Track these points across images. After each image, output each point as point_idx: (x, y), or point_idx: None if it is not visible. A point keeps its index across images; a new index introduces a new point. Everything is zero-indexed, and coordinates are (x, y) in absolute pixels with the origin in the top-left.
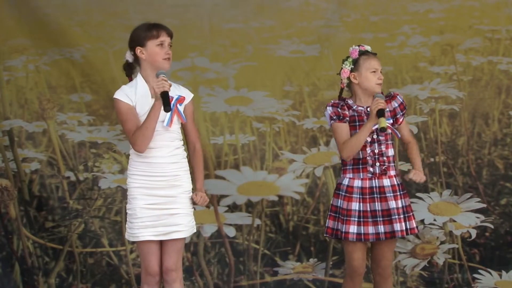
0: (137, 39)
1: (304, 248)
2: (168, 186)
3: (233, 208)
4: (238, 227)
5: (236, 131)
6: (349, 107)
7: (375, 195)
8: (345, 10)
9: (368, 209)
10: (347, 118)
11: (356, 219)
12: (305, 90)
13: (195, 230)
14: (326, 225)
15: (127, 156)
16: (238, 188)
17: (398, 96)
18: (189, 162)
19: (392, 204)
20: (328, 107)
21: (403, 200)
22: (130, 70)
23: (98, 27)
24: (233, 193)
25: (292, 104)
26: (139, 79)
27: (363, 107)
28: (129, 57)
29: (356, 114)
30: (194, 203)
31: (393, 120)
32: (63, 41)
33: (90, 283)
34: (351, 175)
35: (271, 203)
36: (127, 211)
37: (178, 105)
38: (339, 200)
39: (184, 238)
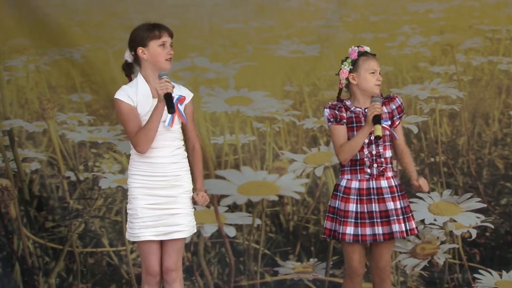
0: (138, 39)
1: (304, 248)
2: (169, 186)
3: (234, 208)
4: (239, 227)
5: (236, 131)
6: (347, 109)
7: (372, 196)
8: (345, 10)
9: (365, 210)
10: (344, 120)
11: (353, 220)
12: (305, 90)
13: (195, 230)
14: (324, 226)
15: (127, 156)
16: (239, 188)
17: (397, 99)
18: (189, 161)
19: (390, 205)
20: (325, 109)
21: (401, 201)
22: (129, 70)
23: (98, 27)
24: (233, 193)
25: (292, 104)
26: (139, 79)
27: (361, 108)
28: (128, 57)
29: (354, 115)
30: (194, 202)
31: (390, 122)
32: (63, 41)
33: (91, 283)
34: (349, 176)
35: (271, 203)
36: (127, 211)
37: (178, 105)
38: (337, 201)
39: (185, 238)
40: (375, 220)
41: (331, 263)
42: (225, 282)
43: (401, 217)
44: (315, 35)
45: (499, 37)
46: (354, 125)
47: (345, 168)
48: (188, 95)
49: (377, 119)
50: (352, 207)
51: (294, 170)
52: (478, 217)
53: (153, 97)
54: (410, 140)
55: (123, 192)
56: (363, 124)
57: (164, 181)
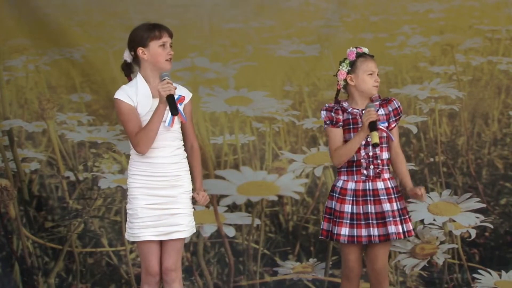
0: (138, 39)
1: (304, 248)
2: (169, 186)
3: (233, 208)
4: (238, 227)
5: (236, 131)
6: (344, 110)
7: (368, 198)
8: (345, 10)
9: (361, 211)
10: (340, 123)
11: (348, 221)
12: (305, 90)
13: (195, 230)
14: (321, 227)
15: (127, 156)
16: (238, 188)
17: (394, 101)
18: (187, 161)
19: (387, 206)
20: (322, 111)
21: (398, 202)
22: (128, 70)
23: (98, 27)
24: (232, 193)
25: (292, 104)
26: (139, 79)
27: (358, 109)
28: (127, 57)
29: (351, 116)
30: (195, 202)
31: (387, 124)
32: (63, 41)
33: (90, 283)
34: (345, 177)
35: (270, 203)
36: (127, 211)
37: (178, 105)
38: (333, 202)
39: (184, 238)
40: (370, 221)
41: (331, 263)
42: (224, 282)
43: (397, 218)
44: (315, 35)
45: (498, 37)
46: (351, 126)
47: (342, 169)
48: (187, 94)
49: (373, 126)
50: (347, 208)
51: (294, 170)
52: (478, 217)
53: (153, 97)
54: (409, 140)
55: (123, 192)
56: (360, 126)
57: (164, 181)
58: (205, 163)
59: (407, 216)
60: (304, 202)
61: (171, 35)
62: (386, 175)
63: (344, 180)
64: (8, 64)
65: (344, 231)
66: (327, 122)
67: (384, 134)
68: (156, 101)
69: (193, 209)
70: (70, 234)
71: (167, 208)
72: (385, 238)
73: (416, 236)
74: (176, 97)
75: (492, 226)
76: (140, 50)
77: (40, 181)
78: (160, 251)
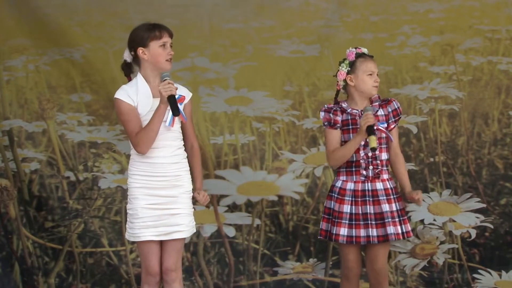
0: (138, 39)
1: (304, 248)
2: (169, 186)
3: (233, 208)
4: (238, 227)
5: (236, 131)
6: (344, 111)
7: (367, 198)
8: (345, 10)
9: (360, 212)
10: (338, 125)
11: (347, 221)
12: (305, 90)
13: (195, 230)
14: (320, 227)
15: (127, 156)
16: (238, 188)
17: (394, 102)
18: (187, 161)
19: (385, 207)
20: (320, 112)
21: (397, 203)
22: (128, 70)
23: (98, 27)
24: (232, 193)
25: (292, 104)
26: (139, 79)
27: (357, 110)
28: (127, 57)
29: (350, 117)
30: (196, 202)
31: (386, 125)
32: (63, 41)
33: (90, 283)
34: (344, 178)
35: (270, 203)
36: (127, 211)
37: (178, 104)
38: (332, 202)
39: (184, 238)
40: (369, 222)
41: (331, 263)
42: (224, 282)
43: (396, 219)
44: (315, 35)
45: (498, 37)
46: (350, 127)
47: (341, 169)
48: (187, 94)
49: (370, 130)
50: (346, 208)
51: (294, 170)
52: (478, 217)
53: (154, 97)
54: (409, 140)
55: (123, 192)
56: (359, 127)
57: (165, 181)
58: (205, 163)
59: (405, 217)
60: (304, 202)
61: (171, 35)
62: (385, 176)
63: (343, 181)
64: (8, 64)
65: (343, 231)
66: (325, 123)
67: (384, 135)
68: (156, 101)
69: (193, 209)
70: (70, 234)
71: (168, 208)
72: (384, 239)
73: (416, 236)
74: (176, 96)
75: (492, 226)
76: (140, 50)
77: (40, 181)
78: (160, 251)
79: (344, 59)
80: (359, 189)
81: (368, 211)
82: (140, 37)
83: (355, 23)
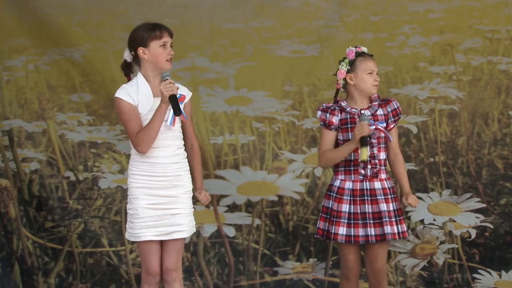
0: (138, 39)
1: (304, 248)
2: (170, 186)
3: (233, 208)
4: (238, 227)
5: (235, 131)
6: (343, 110)
7: (366, 198)
8: (345, 10)
9: (358, 211)
10: (333, 126)
11: (346, 221)
12: (305, 90)
13: (195, 230)
14: (317, 226)
15: (127, 156)
16: (238, 188)
17: (393, 102)
18: (188, 160)
19: (383, 206)
20: (318, 111)
21: (394, 203)
22: (128, 70)
23: (98, 27)
24: (232, 193)
25: (292, 104)
26: (139, 79)
27: (356, 109)
28: (128, 56)
29: (349, 116)
30: (195, 202)
31: (385, 124)
32: (63, 41)
33: (90, 283)
34: (342, 177)
35: (270, 203)
36: (127, 211)
37: (179, 104)
38: (330, 201)
39: (185, 238)
40: (368, 221)
41: (331, 263)
42: (224, 282)
43: (393, 219)
44: (315, 35)
45: (498, 37)
46: (349, 126)
47: (339, 169)
48: (187, 94)
49: (364, 141)
50: (345, 207)
51: (294, 170)
52: (478, 217)
53: (154, 96)
54: (409, 140)
55: (123, 192)
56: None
57: (165, 181)
58: (205, 163)
59: (402, 217)
60: (304, 202)
61: (171, 35)
62: (383, 175)
63: (341, 180)
64: (8, 64)
65: (342, 230)
66: (321, 123)
67: (382, 134)
68: (157, 100)
69: (193, 209)
70: (70, 234)
71: (168, 208)
72: (382, 238)
73: (416, 236)
74: (177, 96)
75: (492, 226)
76: (140, 50)
77: (40, 181)
78: (160, 251)
79: (344, 58)
80: (358, 188)
81: (367, 210)
82: (140, 37)
83: (355, 23)
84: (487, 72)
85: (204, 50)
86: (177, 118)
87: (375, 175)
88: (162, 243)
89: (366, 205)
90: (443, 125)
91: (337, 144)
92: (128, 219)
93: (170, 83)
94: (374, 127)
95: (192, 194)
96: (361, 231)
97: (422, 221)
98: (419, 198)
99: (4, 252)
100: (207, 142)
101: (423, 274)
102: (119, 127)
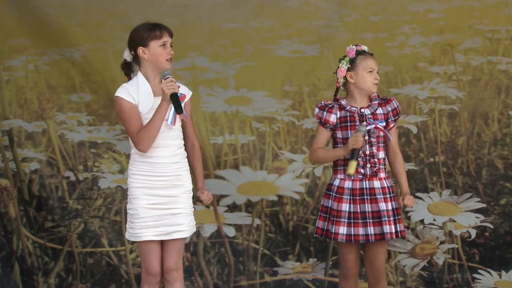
0: (138, 39)
1: (304, 248)
2: (170, 186)
3: (233, 208)
4: (238, 227)
5: (235, 131)
6: (342, 108)
7: (365, 197)
8: (345, 10)
9: (358, 210)
10: (329, 125)
11: (346, 220)
12: (305, 90)
13: (195, 230)
14: (316, 225)
15: (127, 156)
16: (238, 188)
17: (393, 101)
18: (188, 159)
19: (382, 206)
20: (316, 108)
21: (393, 202)
22: (128, 69)
23: (98, 27)
24: (232, 193)
25: (291, 104)
26: (139, 78)
27: (356, 107)
28: (127, 56)
29: (348, 114)
30: (195, 202)
31: (385, 124)
32: (63, 41)
33: (90, 283)
34: (342, 176)
35: (270, 203)
36: (127, 211)
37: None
38: (330, 200)
39: (185, 238)
40: (367, 220)
41: (331, 263)
42: (224, 282)
43: (392, 218)
44: (315, 35)
45: (498, 37)
46: (348, 124)
47: (338, 168)
48: (188, 93)
49: (354, 154)
50: (345, 207)
51: (294, 170)
52: (478, 217)
53: (154, 95)
54: (409, 140)
55: (123, 192)
56: (357, 124)
57: (165, 181)
58: (205, 163)
59: (400, 216)
60: (304, 202)
61: (171, 35)
62: (382, 174)
63: (341, 179)
64: (8, 64)
65: (342, 230)
66: (317, 120)
67: (382, 134)
68: (157, 99)
69: (193, 209)
70: (70, 234)
71: (168, 208)
72: (381, 237)
73: (416, 236)
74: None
75: (492, 226)
76: (140, 50)
77: (40, 181)
78: (160, 251)
79: (345, 56)
80: (357, 187)
81: (366, 210)
82: (140, 36)
83: (355, 23)
84: (487, 72)
85: (204, 50)
86: (177, 117)
87: (374, 174)
88: (162, 243)
89: (366, 204)
90: (443, 125)
91: (335, 142)
92: (128, 219)
93: (171, 81)
94: (374, 126)
95: (192, 194)
96: (361, 230)
97: (422, 221)
98: (419, 198)
99: (4, 252)
100: (207, 142)
101: (423, 274)
102: (119, 127)
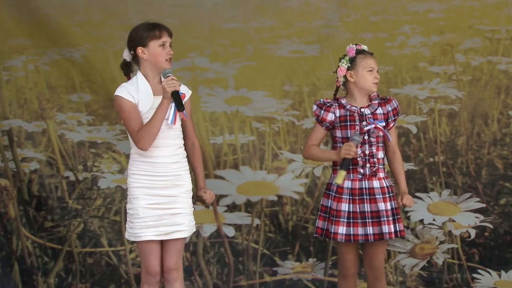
0: (138, 39)
1: (303, 248)
2: (170, 185)
3: (233, 208)
4: (238, 227)
5: (235, 131)
6: (342, 107)
7: (365, 197)
8: (345, 10)
9: (358, 210)
10: (325, 123)
11: (345, 220)
12: (305, 90)
13: (195, 230)
14: (316, 225)
15: (127, 156)
16: (238, 188)
17: (393, 101)
18: (188, 159)
19: (381, 206)
20: (314, 105)
21: (392, 202)
22: (128, 69)
23: (98, 27)
24: (232, 193)
25: (291, 104)
26: (139, 77)
27: (356, 107)
28: (127, 56)
29: (348, 113)
30: (195, 202)
31: (385, 123)
32: (63, 41)
33: (90, 283)
34: None
35: (270, 203)
36: (127, 211)
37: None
38: (329, 200)
39: (185, 238)
40: (367, 220)
41: (330, 263)
42: (224, 282)
43: (391, 218)
44: (315, 35)
45: (498, 37)
46: (348, 123)
47: (338, 167)
48: (187, 92)
49: (345, 163)
50: (344, 206)
51: (293, 170)
52: (477, 217)
53: (154, 95)
54: (409, 140)
55: (122, 192)
56: (357, 124)
57: (165, 181)
58: (205, 163)
59: (399, 216)
60: (303, 202)
61: (170, 35)
62: (382, 174)
63: None
64: (8, 64)
65: (342, 229)
66: (315, 118)
67: (381, 133)
68: (157, 99)
69: (193, 209)
70: (69, 234)
71: (168, 207)
72: (380, 237)
73: (416, 236)
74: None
75: (491, 226)
76: (139, 50)
77: (39, 181)
78: (160, 251)
79: (345, 55)
80: (357, 187)
81: (366, 209)
82: (139, 36)
83: (355, 23)
84: (487, 72)
85: (204, 50)
86: (177, 117)
87: (373, 174)
88: (162, 242)
89: (365, 204)
90: (443, 125)
91: (335, 141)
92: (128, 219)
93: (172, 79)
94: (373, 125)
95: (192, 193)
96: (360, 230)
97: (421, 221)
98: (419, 198)
99: (4, 252)
100: (206, 142)
101: (422, 274)
102: (118, 127)
